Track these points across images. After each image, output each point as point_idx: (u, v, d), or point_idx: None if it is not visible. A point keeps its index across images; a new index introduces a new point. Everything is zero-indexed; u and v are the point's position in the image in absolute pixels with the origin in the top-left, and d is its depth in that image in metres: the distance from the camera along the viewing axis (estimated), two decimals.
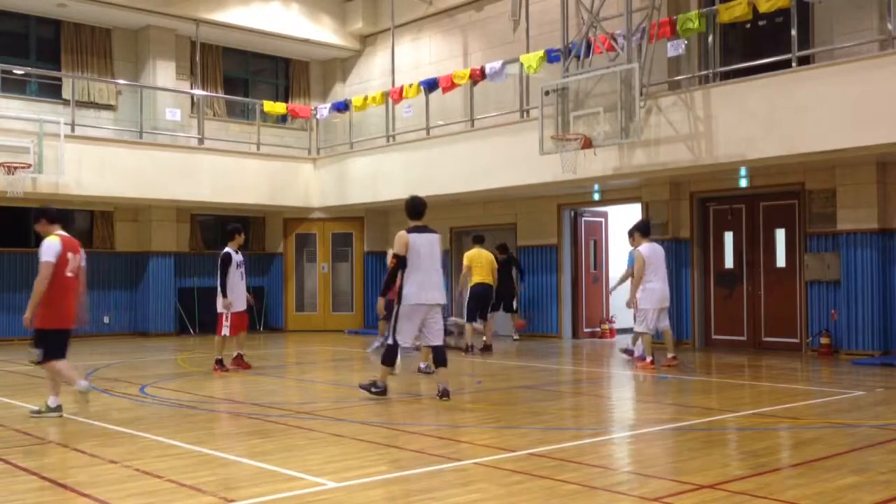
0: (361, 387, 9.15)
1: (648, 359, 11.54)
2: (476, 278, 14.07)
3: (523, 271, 16.70)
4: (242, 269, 11.79)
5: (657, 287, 11.65)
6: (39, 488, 5.28)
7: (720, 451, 6.46)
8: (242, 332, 11.84)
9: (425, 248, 8.64)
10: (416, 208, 8.86)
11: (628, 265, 12.67)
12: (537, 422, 7.66)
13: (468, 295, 14.18)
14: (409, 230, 8.73)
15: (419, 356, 11.16)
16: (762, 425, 7.42)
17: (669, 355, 11.76)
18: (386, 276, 8.94)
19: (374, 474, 5.54)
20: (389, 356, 8.91)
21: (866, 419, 7.60)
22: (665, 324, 11.90)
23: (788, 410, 8.19)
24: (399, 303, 8.65)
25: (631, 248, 12.44)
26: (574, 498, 4.97)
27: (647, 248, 11.74)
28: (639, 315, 11.77)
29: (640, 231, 11.96)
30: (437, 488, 5.19)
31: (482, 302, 14.19)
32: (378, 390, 8.92)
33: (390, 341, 8.84)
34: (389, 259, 8.87)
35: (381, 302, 9.05)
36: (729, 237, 14.68)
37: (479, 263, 14.13)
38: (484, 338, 14.37)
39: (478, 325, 14.24)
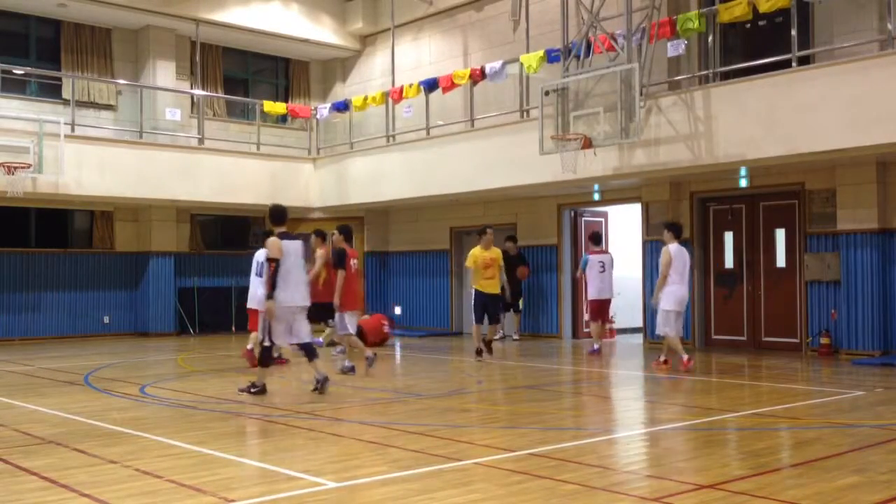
0: (240, 390, 9.32)
1: (685, 357, 11.42)
2: (479, 281, 12.95)
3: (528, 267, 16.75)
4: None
5: (678, 289, 11.62)
6: (39, 488, 5.28)
7: (720, 451, 6.46)
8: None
9: (293, 254, 9.16)
10: (282, 215, 9.52)
11: (581, 268, 14.40)
12: (537, 422, 7.66)
13: (473, 298, 13.19)
14: (280, 236, 9.23)
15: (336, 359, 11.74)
16: (762, 425, 7.42)
17: (662, 357, 11.91)
18: (268, 280, 9.03)
19: (374, 474, 5.54)
20: (265, 358, 9.17)
21: (866, 419, 7.60)
22: (679, 327, 11.90)
23: (788, 410, 8.19)
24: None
25: (585, 253, 14.77)
26: (574, 498, 4.97)
27: (675, 248, 11.71)
28: (660, 316, 11.75)
29: (672, 231, 11.88)
30: (437, 488, 5.19)
31: (490, 307, 13.03)
32: (257, 390, 9.17)
33: (266, 343, 9.07)
34: (265, 264, 9.20)
35: (270, 304, 8.91)
36: (729, 237, 14.67)
37: (483, 262, 13.02)
38: (485, 337, 13.34)
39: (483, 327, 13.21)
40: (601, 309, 14.19)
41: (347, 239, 11.81)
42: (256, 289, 11.59)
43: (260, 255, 11.99)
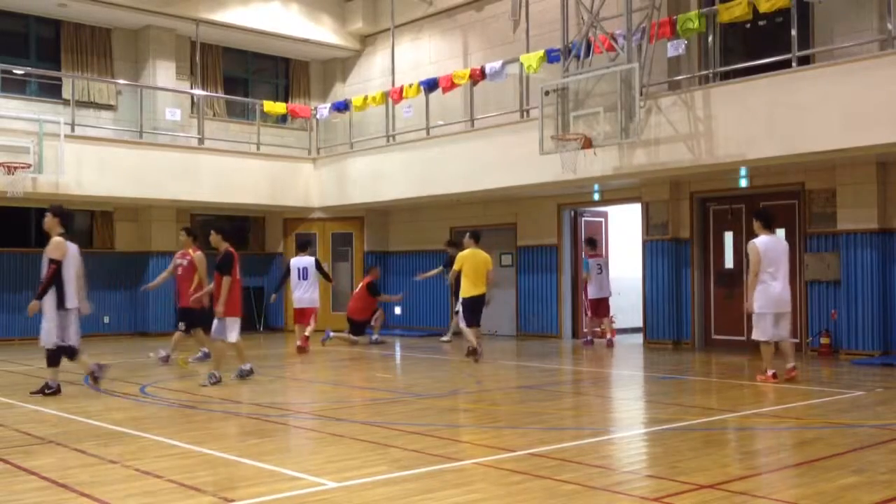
0: (32, 393, 9.30)
1: (769, 372, 9.98)
2: (468, 287, 12.81)
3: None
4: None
5: (775, 288, 9.95)
6: (39, 488, 5.28)
7: (720, 451, 6.46)
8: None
9: (75, 257, 9.38)
10: (68, 216, 9.76)
11: (585, 270, 15.39)
12: (537, 422, 7.66)
13: (461, 304, 13.04)
14: (62, 236, 9.44)
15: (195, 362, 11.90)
16: (762, 425, 7.42)
17: (789, 365, 10.03)
18: (46, 281, 9.12)
19: (374, 474, 5.54)
20: (54, 359, 9.23)
21: (866, 419, 7.60)
22: (784, 332, 10.17)
23: (788, 410, 8.19)
24: (60, 308, 9.12)
25: (584, 257, 15.52)
26: (574, 498, 4.97)
27: (764, 241, 10.03)
28: (754, 321, 10.22)
29: (762, 220, 10.25)
30: (437, 488, 5.19)
31: (477, 310, 13.01)
32: (51, 390, 9.22)
33: (57, 345, 9.15)
34: (45, 268, 9.23)
35: (35, 304, 9.15)
36: (729, 237, 14.67)
37: (473, 267, 12.83)
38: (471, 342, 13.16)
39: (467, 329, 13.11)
40: (601, 306, 15.38)
41: (227, 238, 10.74)
42: (306, 292, 14.82)
43: (299, 262, 14.99)
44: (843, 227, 12.91)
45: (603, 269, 15.38)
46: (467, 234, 13.31)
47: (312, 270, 14.96)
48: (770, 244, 10.05)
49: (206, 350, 12.43)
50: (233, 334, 10.46)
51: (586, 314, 15.77)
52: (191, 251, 12.68)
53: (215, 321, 10.45)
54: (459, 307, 13.27)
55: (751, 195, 14.30)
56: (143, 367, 12.59)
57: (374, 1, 20.39)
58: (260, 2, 19.47)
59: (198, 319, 12.35)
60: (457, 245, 16.38)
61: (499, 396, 9.31)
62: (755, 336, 10.17)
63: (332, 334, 16.09)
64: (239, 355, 10.60)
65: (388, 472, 5.63)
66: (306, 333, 14.67)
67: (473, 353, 12.93)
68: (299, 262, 15.05)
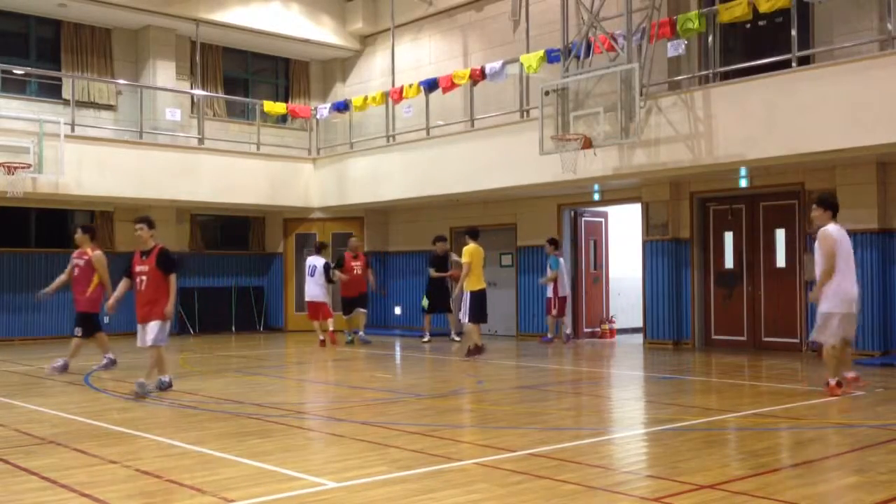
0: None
1: (832, 381, 8.77)
2: (475, 280, 13.02)
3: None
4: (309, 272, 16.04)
5: (847, 285, 8.70)
6: (39, 488, 5.28)
7: (720, 451, 6.46)
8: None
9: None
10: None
11: (552, 267, 15.65)
12: (537, 422, 7.66)
13: (469, 298, 13.04)
14: None
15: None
16: (762, 425, 7.42)
17: (851, 374, 9.00)
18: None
19: (374, 474, 5.54)
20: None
21: (866, 419, 7.60)
22: (851, 335, 9.00)
23: (788, 410, 8.18)
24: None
25: (549, 254, 15.68)
26: (574, 498, 4.97)
27: (836, 230, 8.76)
28: (819, 320, 8.84)
29: (828, 207, 8.87)
30: (437, 488, 5.19)
31: (484, 305, 13.19)
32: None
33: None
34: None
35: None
36: (729, 237, 14.68)
37: (479, 262, 13.16)
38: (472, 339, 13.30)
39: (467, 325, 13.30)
40: (565, 304, 15.99)
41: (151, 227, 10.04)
42: (312, 288, 15.85)
43: (314, 261, 15.96)
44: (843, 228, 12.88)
45: (565, 268, 15.98)
46: (467, 233, 13.46)
47: (320, 270, 15.95)
48: (842, 234, 8.82)
49: (110, 356, 11.71)
50: (165, 338, 9.35)
51: (550, 312, 15.86)
52: (89, 250, 11.66)
53: (153, 326, 9.14)
54: (466, 303, 13.02)
55: (751, 195, 14.31)
56: (143, 367, 12.57)
57: (374, 1, 20.39)
58: (260, 2, 19.47)
59: (95, 325, 11.76)
60: (445, 240, 16.59)
61: (499, 396, 9.30)
62: (819, 338, 8.88)
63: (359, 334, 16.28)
64: (161, 364, 9.45)
65: (388, 472, 5.63)
66: (329, 329, 15.82)
67: (477, 351, 12.81)
68: (313, 260, 16.14)
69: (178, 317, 18.77)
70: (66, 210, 17.93)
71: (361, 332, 16.24)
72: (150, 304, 9.20)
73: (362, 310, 16.35)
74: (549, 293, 15.76)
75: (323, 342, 15.69)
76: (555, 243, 15.84)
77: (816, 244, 8.82)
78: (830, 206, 8.88)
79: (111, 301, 9.90)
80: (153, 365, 9.40)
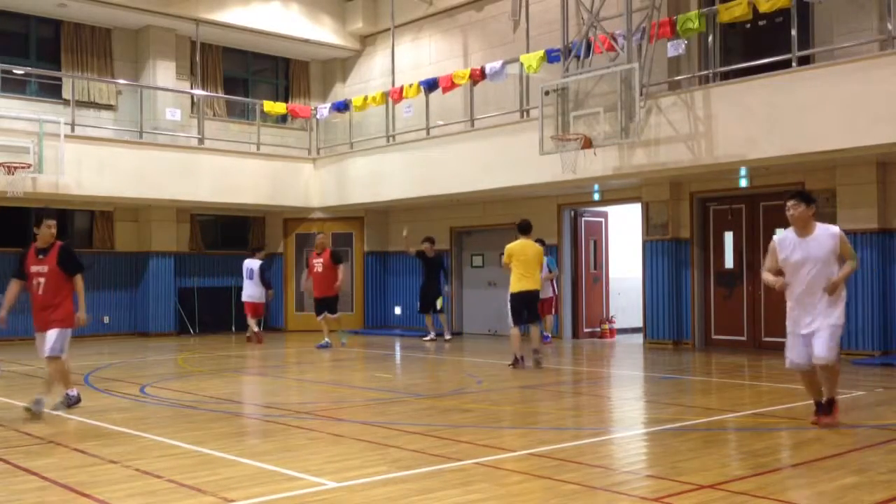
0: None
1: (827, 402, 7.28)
2: (515, 280, 11.64)
3: (447, 271, 17.34)
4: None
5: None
6: (39, 488, 5.28)
7: (720, 451, 6.46)
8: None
9: None
10: None
11: (554, 269, 15.44)
12: (537, 422, 7.66)
13: (508, 301, 11.82)
14: None
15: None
16: (762, 425, 7.42)
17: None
18: None
19: (374, 474, 5.54)
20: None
21: (866, 419, 7.60)
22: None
23: (788, 410, 8.18)
24: None
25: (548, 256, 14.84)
26: (574, 498, 4.97)
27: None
28: (836, 331, 7.21)
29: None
30: (437, 488, 5.19)
31: (525, 307, 11.71)
32: None
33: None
34: None
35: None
36: (729, 237, 14.67)
37: (524, 260, 11.69)
38: (533, 349, 11.82)
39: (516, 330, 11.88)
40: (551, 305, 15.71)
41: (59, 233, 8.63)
42: (250, 289, 16.47)
43: (250, 263, 16.56)
44: (843, 227, 12.74)
45: None
46: (517, 227, 12.20)
47: (257, 272, 16.51)
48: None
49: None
50: (66, 347, 8.13)
51: (550, 312, 15.66)
52: None
53: (52, 334, 7.98)
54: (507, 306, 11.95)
55: (751, 195, 14.31)
56: (142, 367, 12.60)
57: (374, 1, 20.39)
58: (260, 2, 19.47)
59: None
60: (432, 241, 16.67)
61: (499, 396, 9.30)
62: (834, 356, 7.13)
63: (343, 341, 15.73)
64: (65, 377, 8.23)
65: (388, 472, 5.63)
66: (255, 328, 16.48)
67: (515, 362, 11.62)
68: (249, 262, 16.75)
69: (178, 317, 18.81)
70: (67, 210, 17.92)
71: (325, 340, 15.23)
72: (51, 308, 7.97)
73: (330, 315, 15.43)
74: (547, 293, 15.44)
75: (249, 338, 16.38)
76: (541, 244, 15.40)
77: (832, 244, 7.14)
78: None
79: (2, 313, 8.08)
80: (53, 379, 8.16)
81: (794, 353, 7.40)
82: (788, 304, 7.49)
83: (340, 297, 16.26)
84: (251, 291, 16.51)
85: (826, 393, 7.23)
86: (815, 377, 7.22)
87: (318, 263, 15.46)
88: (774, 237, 7.58)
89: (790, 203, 7.27)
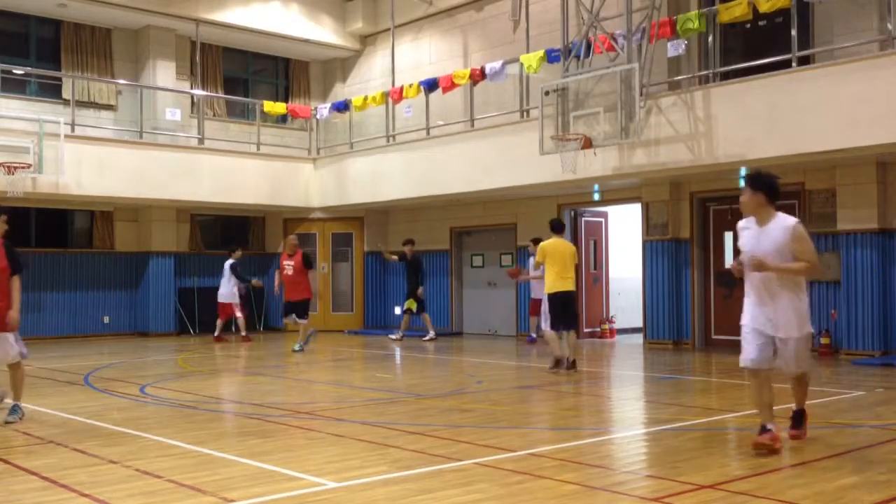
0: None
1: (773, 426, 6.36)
2: (553, 281, 11.03)
3: (424, 272, 17.24)
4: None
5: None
6: (39, 488, 5.28)
7: (720, 451, 6.46)
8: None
9: None
10: None
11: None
12: (537, 422, 7.66)
13: (544, 302, 11.32)
14: None
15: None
16: None
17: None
18: None
19: (374, 474, 5.54)
20: None
21: (866, 419, 7.61)
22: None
23: (788, 410, 8.18)
24: None
25: (532, 252, 13.83)
26: (574, 498, 4.97)
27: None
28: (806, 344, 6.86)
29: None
30: (437, 488, 5.19)
31: (565, 309, 11.14)
32: None
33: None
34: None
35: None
36: (729, 237, 14.66)
37: (559, 258, 11.06)
38: (567, 353, 11.25)
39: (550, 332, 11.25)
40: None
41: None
42: (221, 289, 16.93)
43: (226, 263, 16.91)
44: (843, 228, 12.91)
45: None
46: (550, 225, 11.58)
47: (228, 271, 16.86)
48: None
49: None
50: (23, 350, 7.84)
51: (536, 313, 14.88)
52: None
53: (6, 337, 7.83)
54: (545, 307, 11.39)
55: None
56: (142, 367, 12.60)
57: (374, 1, 20.39)
58: (260, 2, 19.47)
59: None
60: (413, 243, 16.75)
61: (499, 396, 9.30)
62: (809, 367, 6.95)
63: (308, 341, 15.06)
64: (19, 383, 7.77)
65: (388, 472, 5.63)
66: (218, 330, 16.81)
67: (557, 364, 11.09)
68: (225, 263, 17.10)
69: (178, 317, 18.80)
70: (66, 210, 17.93)
71: (298, 344, 14.58)
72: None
73: (300, 320, 14.73)
74: (536, 294, 15.02)
75: (217, 338, 16.62)
76: (537, 243, 15.14)
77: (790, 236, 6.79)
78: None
79: None
80: (21, 383, 7.77)
81: (753, 352, 6.84)
82: (745, 299, 7.09)
83: (312, 300, 15.34)
84: (221, 290, 16.94)
85: (797, 402, 6.86)
86: (769, 382, 6.65)
87: (289, 266, 14.61)
88: (739, 222, 7.09)
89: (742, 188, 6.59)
